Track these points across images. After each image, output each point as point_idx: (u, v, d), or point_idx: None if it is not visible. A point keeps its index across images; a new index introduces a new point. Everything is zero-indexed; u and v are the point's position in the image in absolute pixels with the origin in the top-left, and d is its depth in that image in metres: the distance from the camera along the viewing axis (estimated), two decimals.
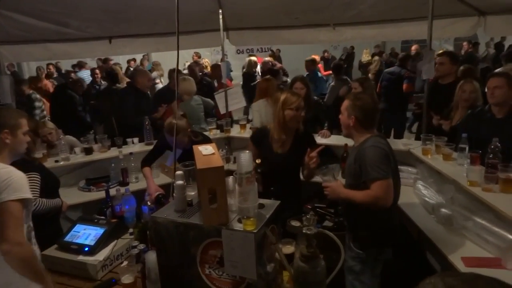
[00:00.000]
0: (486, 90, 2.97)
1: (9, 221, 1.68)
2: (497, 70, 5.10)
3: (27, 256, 1.74)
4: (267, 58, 9.03)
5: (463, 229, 2.44)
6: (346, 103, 2.32)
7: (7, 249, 1.68)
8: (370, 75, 9.30)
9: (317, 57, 10.94)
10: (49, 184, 2.74)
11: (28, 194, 1.78)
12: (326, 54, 12.64)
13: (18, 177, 1.77)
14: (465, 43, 9.71)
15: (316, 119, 4.12)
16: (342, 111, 2.34)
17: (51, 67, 9.62)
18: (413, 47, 8.75)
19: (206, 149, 1.75)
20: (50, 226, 2.72)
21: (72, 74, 8.57)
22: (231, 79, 6.66)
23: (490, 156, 2.45)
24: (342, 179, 3.24)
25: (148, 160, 3.34)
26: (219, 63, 5.39)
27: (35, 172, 2.60)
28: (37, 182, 2.58)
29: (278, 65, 9.40)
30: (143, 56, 10.38)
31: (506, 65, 4.65)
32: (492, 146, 2.49)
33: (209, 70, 7.88)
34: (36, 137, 2.91)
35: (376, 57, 10.11)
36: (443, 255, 2.31)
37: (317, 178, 2.29)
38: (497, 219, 2.26)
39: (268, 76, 4.66)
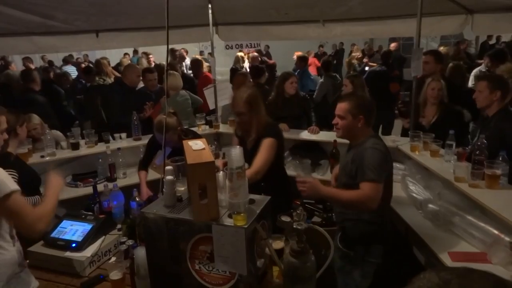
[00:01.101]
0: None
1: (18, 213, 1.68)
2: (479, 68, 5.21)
3: (49, 219, 1.82)
4: (256, 54, 8.95)
5: (450, 224, 2.48)
6: (346, 106, 2.20)
7: (32, 231, 1.74)
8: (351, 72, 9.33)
9: (311, 54, 10.96)
10: (28, 181, 2.64)
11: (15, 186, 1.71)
12: (321, 49, 12.56)
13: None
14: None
15: (304, 115, 4.14)
16: (343, 115, 2.21)
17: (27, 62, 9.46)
18: (392, 45, 8.87)
19: (196, 144, 1.74)
20: None
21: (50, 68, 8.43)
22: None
23: (477, 153, 2.49)
24: (330, 175, 3.27)
25: (144, 163, 3.32)
26: (199, 58, 5.40)
27: (11, 169, 2.51)
28: (14, 179, 2.50)
29: (270, 61, 9.35)
30: (142, 54, 10.18)
31: (495, 66, 4.68)
32: (479, 143, 2.53)
33: None
34: (15, 134, 2.83)
35: (358, 53, 10.05)
36: (430, 250, 2.34)
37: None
38: (483, 215, 2.30)
39: (244, 71, 4.78)
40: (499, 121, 2.77)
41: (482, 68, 5.38)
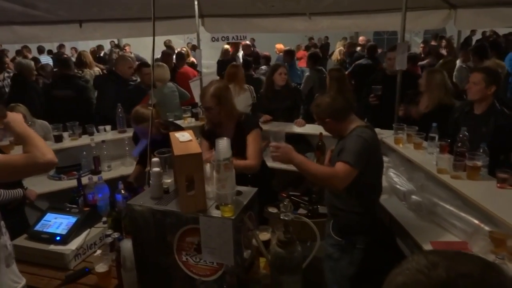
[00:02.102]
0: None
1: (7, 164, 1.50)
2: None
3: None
4: (248, 42, 8.80)
5: (432, 215, 2.53)
6: (316, 113, 2.30)
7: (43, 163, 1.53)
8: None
9: (302, 47, 10.91)
10: None
11: None
12: (311, 41, 12.46)
13: None
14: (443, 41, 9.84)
15: (294, 107, 4.11)
16: (320, 122, 2.32)
17: (25, 51, 9.26)
18: (360, 38, 8.94)
19: (183, 136, 1.73)
20: (13, 217, 2.61)
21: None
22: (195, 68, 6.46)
23: (459, 145, 2.54)
24: None
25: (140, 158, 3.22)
26: (182, 51, 5.36)
27: None
28: None
29: (265, 53, 9.17)
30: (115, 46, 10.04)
31: (479, 62, 4.78)
32: (461, 135, 2.58)
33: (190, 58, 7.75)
34: None
35: (341, 47, 10.07)
36: (413, 240, 2.39)
37: (291, 166, 2.25)
38: (464, 205, 2.36)
39: (235, 63, 4.81)
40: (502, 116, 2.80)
41: (459, 63, 5.48)
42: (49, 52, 10.36)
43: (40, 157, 1.51)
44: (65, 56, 7.93)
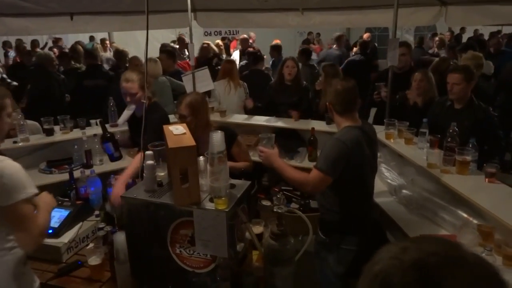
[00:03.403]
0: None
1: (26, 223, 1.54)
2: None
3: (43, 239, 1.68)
4: (246, 35, 8.59)
5: (422, 209, 2.57)
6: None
7: (26, 244, 1.58)
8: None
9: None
10: None
11: (34, 188, 1.59)
12: (309, 37, 12.38)
13: (15, 170, 1.56)
14: (447, 33, 9.91)
15: (300, 104, 4.04)
16: (329, 104, 2.26)
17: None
18: (365, 35, 8.98)
19: (177, 129, 1.73)
20: None
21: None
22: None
23: (449, 140, 2.59)
24: (310, 163, 3.33)
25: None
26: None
27: None
28: None
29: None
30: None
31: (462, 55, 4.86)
32: (451, 131, 2.62)
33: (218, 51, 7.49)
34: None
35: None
36: (403, 234, 2.43)
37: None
38: (454, 199, 2.40)
39: (231, 58, 4.81)
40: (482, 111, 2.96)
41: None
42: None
43: (41, 241, 1.65)
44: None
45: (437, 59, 4.95)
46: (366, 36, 8.77)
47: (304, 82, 4.26)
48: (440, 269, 0.56)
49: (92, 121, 3.86)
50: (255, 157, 2.75)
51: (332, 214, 2.24)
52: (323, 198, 2.30)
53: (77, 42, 9.75)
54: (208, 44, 6.79)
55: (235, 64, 4.51)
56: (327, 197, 2.24)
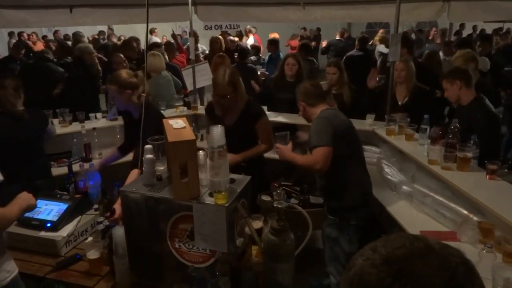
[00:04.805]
0: None
1: None
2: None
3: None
4: (232, 37, 8.69)
5: (422, 205, 2.57)
6: (297, 98, 2.56)
7: None
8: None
9: (297, 37, 10.79)
10: None
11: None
12: (302, 31, 12.31)
13: None
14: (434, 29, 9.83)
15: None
16: (300, 104, 2.55)
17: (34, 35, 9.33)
18: (380, 31, 8.89)
19: (176, 123, 1.72)
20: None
21: None
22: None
23: (450, 136, 2.57)
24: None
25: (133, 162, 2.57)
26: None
27: None
28: None
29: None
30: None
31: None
32: (452, 127, 2.61)
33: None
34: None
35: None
36: (403, 230, 2.42)
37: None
38: (454, 196, 2.40)
39: (222, 53, 4.83)
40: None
41: (442, 56, 5.55)
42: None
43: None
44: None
45: (426, 52, 4.91)
46: (381, 32, 8.64)
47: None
48: (409, 259, 0.60)
49: (91, 115, 3.85)
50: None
51: (337, 192, 2.41)
52: (323, 180, 2.45)
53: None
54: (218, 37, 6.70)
55: (227, 58, 4.46)
56: (327, 178, 2.40)
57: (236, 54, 6.06)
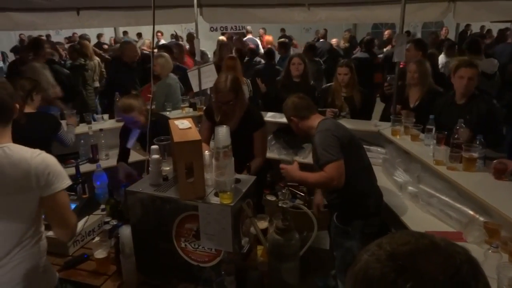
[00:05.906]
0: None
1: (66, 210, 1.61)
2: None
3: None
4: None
5: (428, 205, 2.56)
6: (284, 115, 2.46)
7: (66, 234, 1.67)
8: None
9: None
10: None
11: (69, 179, 1.64)
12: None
13: (55, 162, 1.59)
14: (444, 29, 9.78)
15: None
16: (290, 120, 2.45)
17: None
18: (386, 32, 8.86)
19: (182, 124, 1.73)
20: None
21: None
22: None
23: (455, 137, 2.56)
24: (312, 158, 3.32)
25: (122, 156, 3.08)
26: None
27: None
28: None
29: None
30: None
31: (470, 56, 4.79)
32: (457, 127, 2.60)
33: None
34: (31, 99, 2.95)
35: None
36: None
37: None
38: (460, 196, 2.38)
39: (233, 55, 4.82)
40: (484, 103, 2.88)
41: (445, 57, 5.52)
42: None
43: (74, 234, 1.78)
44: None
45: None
46: (387, 33, 8.58)
47: (312, 82, 4.25)
48: (413, 255, 0.61)
49: (98, 116, 3.88)
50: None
51: (350, 204, 2.32)
52: (336, 193, 2.36)
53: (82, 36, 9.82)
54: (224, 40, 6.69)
55: (238, 60, 4.45)
56: (340, 190, 2.27)
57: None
